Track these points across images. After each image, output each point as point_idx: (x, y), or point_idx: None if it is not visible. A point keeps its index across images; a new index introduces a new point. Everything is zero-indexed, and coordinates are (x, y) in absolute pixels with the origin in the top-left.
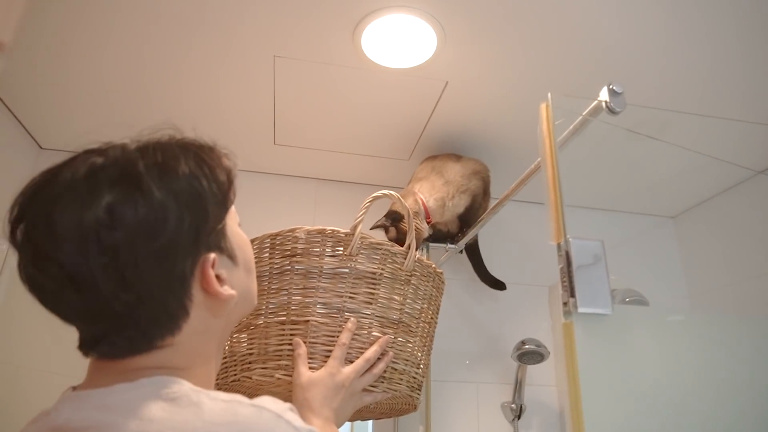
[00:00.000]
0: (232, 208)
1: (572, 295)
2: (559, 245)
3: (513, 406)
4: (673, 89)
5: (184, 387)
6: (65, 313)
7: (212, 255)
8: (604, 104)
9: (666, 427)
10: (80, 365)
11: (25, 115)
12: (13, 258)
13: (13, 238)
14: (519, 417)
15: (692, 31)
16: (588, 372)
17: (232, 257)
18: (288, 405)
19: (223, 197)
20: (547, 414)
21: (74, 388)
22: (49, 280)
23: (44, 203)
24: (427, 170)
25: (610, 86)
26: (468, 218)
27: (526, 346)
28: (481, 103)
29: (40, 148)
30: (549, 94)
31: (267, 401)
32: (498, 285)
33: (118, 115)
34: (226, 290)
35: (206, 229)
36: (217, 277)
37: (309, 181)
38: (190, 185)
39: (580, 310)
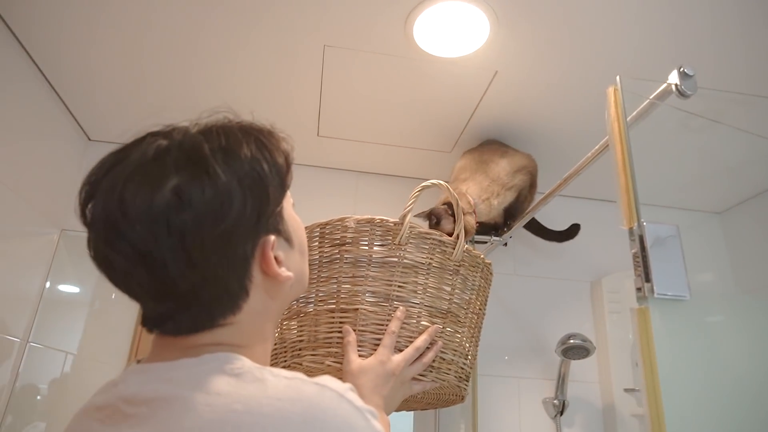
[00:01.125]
0: (288, 192)
1: (647, 279)
2: (631, 230)
3: (555, 401)
4: (733, 73)
5: (246, 363)
6: (133, 291)
7: (272, 237)
8: (674, 87)
9: (752, 415)
10: (124, 353)
11: (76, 106)
12: (63, 247)
13: (83, 218)
14: (561, 413)
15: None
16: (666, 360)
17: (288, 240)
18: (348, 385)
19: (281, 180)
20: (589, 411)
21: (138, 362)
22: (120, 258)
23: (115, 184)
24: (471, 169)
25: (681, 69)
26: (513, 211)
27: (572, 341)
28: (530, 94)
29: (89, 139)
30: (618, 77)
31: (329, 380)
32: (572, 232)
33: (166, 106)
34: (284, 272)
35: (267, 212)
36: (275, 259)
37: (350, 174)
38: (253, 169)
39: (657, 294)
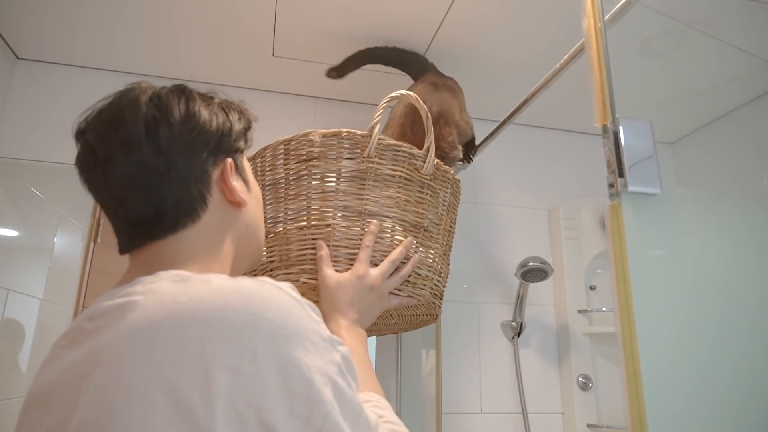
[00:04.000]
0: (249, 166)
1: (621, 175)
2: (605, 127)
3: (513, 324)
4: None
5: (193, 274)
6: (108, 188)
7: (230, 160)
8: None
9: (718, 310)
10: (69, 293)
11: (1, 22)
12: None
13: (78, 126)
14: (519, 335)
15: None
16: (637, 254)
17: (246, 182)
18: (288, 284)
19: (242, 130)
20: (545, 331)
21: None
22: (104, 145)
23: (112, 99)
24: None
25: None
26: (468, 141)
27: (531, 264)
28: (496, 4)
29: (17, 57)
30: None
31: (268, 279)
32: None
33: (101, 23)
34: (239, 195)
35: (229, 135)
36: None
37: (308, 100)
38: (220, 107)
39: (630, 189)
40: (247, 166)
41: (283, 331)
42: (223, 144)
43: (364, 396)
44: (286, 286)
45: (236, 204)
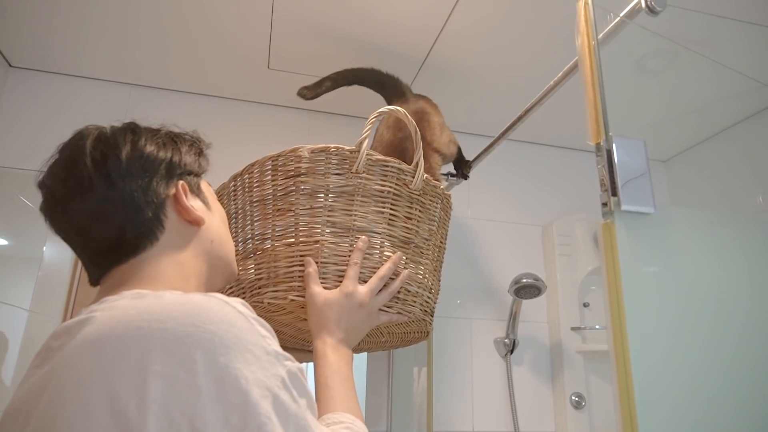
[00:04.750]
0: (210, 189)
1: (614, 194)
2: (598, 145)
3: (506, 341)
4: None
5: (151, 292)
6: (70, 227)
7: (182, 182)
8: (643, 3)
9: (711, 329)
10: (58, 304)
11: None
12: None
13: (40, 181)
14: (512, 352)
15: None
16: (630, 272)
17: (206, 204)
18: (240, 300)
19: (195, 156)
20: (538, 349)
21: None
22: (60, 187)
23: (70, 145)
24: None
25: None
26: (457, 159)
27: (525, 280)
28: (495, 19)
29: (10, 65)
30: None
31: (218, 294)
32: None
33: (96, 33)
34: (195, 212)
35: (180, 163)
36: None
37: (302, 113)
38: (168, 136)
39: (623, 208)
40: (206, 188)
41: (224, 342)
42: (173, 168)
43: (337, 417)
44: (236, 302)
45: (194, 222)
